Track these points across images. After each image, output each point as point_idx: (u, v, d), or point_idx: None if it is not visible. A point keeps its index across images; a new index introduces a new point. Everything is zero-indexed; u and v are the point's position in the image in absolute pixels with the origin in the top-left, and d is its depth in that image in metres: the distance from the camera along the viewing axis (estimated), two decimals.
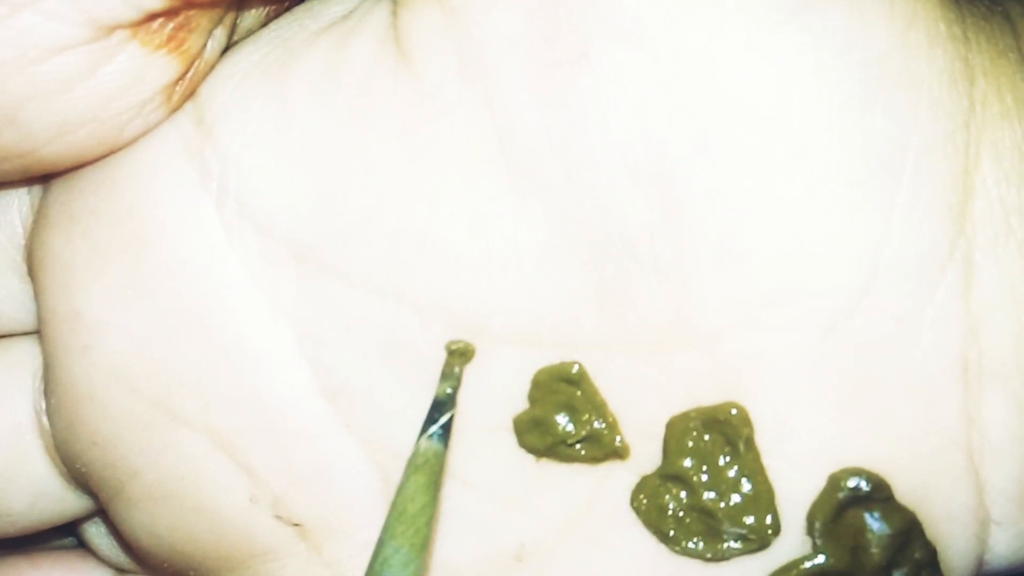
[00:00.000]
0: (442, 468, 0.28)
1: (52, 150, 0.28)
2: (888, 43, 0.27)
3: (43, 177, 0.31)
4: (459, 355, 0.28)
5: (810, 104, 0.27)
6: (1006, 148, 0.28)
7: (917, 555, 0.28)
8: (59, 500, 0.33)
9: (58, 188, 0.30)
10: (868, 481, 0.28)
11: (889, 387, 0.28)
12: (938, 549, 0.29)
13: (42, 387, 0.32)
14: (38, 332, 0.31)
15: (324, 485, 0.30)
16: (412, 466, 0.27)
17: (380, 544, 0.27)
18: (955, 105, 0.27)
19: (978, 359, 0.27)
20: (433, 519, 0.27)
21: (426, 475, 0.27)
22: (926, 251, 0.27)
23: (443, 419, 0.28)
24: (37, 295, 0.31)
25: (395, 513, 0.27)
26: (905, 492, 0.28)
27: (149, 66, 0.28)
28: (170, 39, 0.27)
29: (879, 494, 0.28)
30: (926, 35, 0.27)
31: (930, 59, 0.27)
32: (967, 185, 0.27)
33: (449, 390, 0.28)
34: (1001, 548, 0.29)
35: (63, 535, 0.37)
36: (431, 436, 0.28)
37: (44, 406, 0.32)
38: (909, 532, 0.28)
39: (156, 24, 0.27)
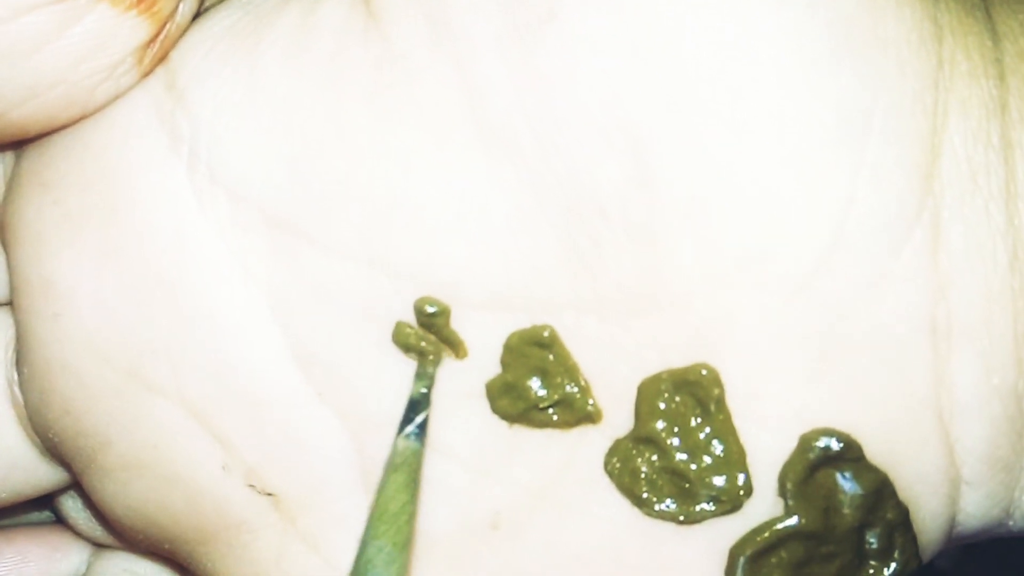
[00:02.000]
0: (420, 466, 0.27)
1: (22, 113, 0.28)
2: (855, 3, 0.27)
3: (13, 145, 0.30)
4: (431, 355, 0.28)
5: (778, 64, 0.26)
6: (973, 106, 0.27)
7: (889, 516, 0.28)
8: (32, 472, 0.32)
9: (30, 155, 0.30)
10: (839, 441, 0.28)
11: (858, 347, 0.27)
12: (910, 510, 0.28)
13: (14, 357, 0.31)
14: (11, 303, 0.31)
15: (298, 454, 0.29)
16: (391, 465, 0.27)
17: (363, 544, 0.27)
18: (923, 64, 0.27)
19: (946, 319, 0.27)
20: (414, 516, 0.27)
21: (405, 474, 0.27)
22: (893, 210, 0.27)
23: (419, 418, 0.28)
24: (9, 264, 0.30)
25: (377, 512, 0.27)
26: (876, 453, 0.28)
27: (119, 27, 0.27)
28: (140, 0, 0.27)
29: (850, 454, 0.28)
30: None
31: (898, 19, 0.27)
32: (934, 144, 0.27)
33: (424, 390, 0.28)
34: (972, 508, 0.29)
35: (39, 509, 0.36)
36: (408, 435, 0.28)
37: (16, 377, 0.31)
38: (881, 492, 0.28)
39: None
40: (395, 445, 0.28)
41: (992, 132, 0.27)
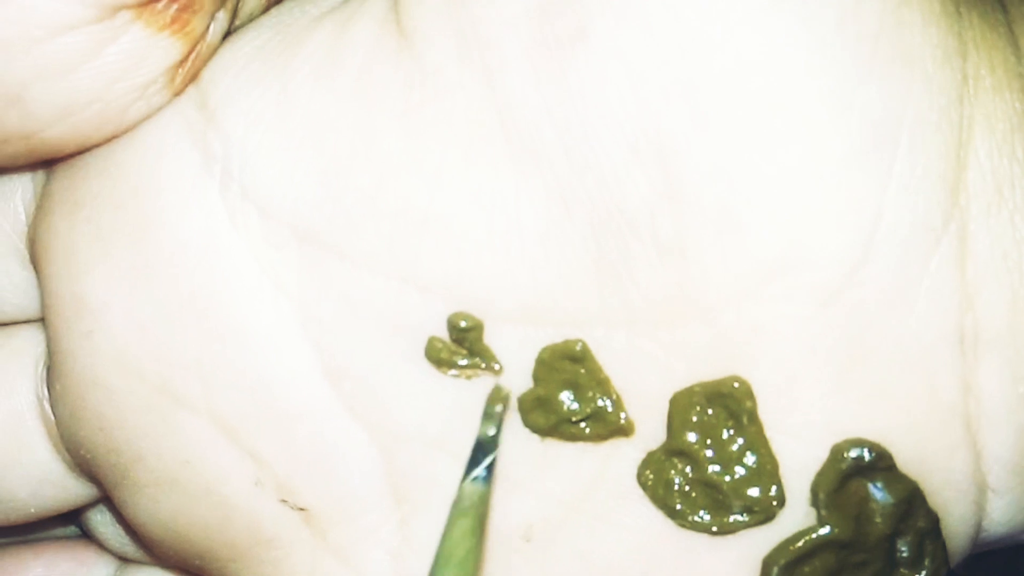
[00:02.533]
0: (487, 511, 0.27)
1: (56, 132, 0.28)
2: (882, 19, 0.27)
3: (46, 163, 0.30)
4: (501, 396, 0.28)
5: (806, 79, 0.26)
6: (998, 120, 0.27)
7: (920, 523, 0.28)
8: (62, 487, 0.32)
9: (62, 173, 0.30)
10: (870, 451, 0.28)
11: (887, 357, 0.27)
12: (940, 516, 0.28)
13: (44, 374, 0.31)
14: (41, 319, 0.31)
15: (328, 469, 0.29)
16: (457, 510, 0.27)
17: None
18: (949, 79, 0.27)
19: (973, 328, 0.27)
20: (480, 561, 0.27)
21: (472, 519, 0.27)
22: (921, 222, 0.27)
23: (487, 461, 0.27)
24: (40, 281, 0.30)
25: (443, 558, 0.26)
26: (906, 461, 0.28)
27: (152, 47, 0.27)
28: (174, 21, 0.27)
29: (881, 464, 0.28)
30: (920, 11, 0.27)
31: (924, 35, 0.27)
32: (960, 157, 0.27)
33: (492, 431, 0.28)
34: (998, 515, 0.29)
35: (66, 524, 0.36)
36: (475, 479, 0.27)
37: (46, 393, 0.31)
38: (912, 501, 0.28)
39: (160, 6, 0.27)
40: (461, 489, 0.27)
41: (1017, 144, 0.28)
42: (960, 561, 0.30)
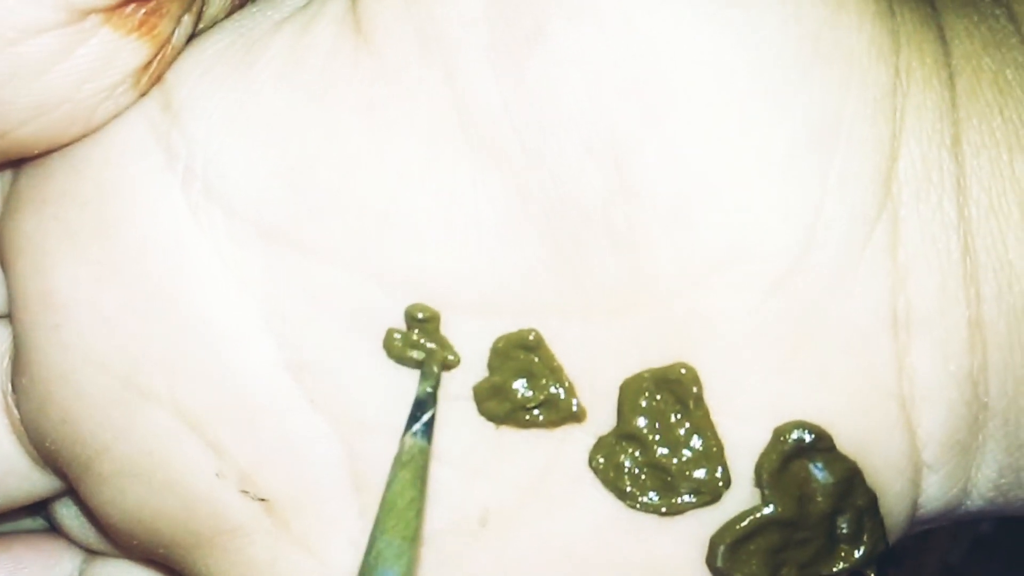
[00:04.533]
0: (427, 463, 0.28)
1: (27, 132, 0.28)
2: (821, 21, 0.27)
3: (13, 164, 0.30)
4: (439, 355, 0.29)
5: (751, 78, 0.27)
6: (927, 109, 0.28)
7: (859, 502, 0.29)
8: (26, 479, 0.32)
9: (29, 172, 0.30)
10: (811, 433, 0.28)
11: (827, 342, 0.28)
12: (877, 495, 0.29)
13: (9, 368, 0.31)
14: (7, 316, 0.31)
15: (290, 460, 0.29)
16: (399, 463, 0.27)
17: (373, 539, 0.27)
18: (883, 74, 0.28)
19: (905, 310, 0.28)
20: (422, 512, 0.27)
21: (412, 471, 0.27)
22: (857, 213, 0.28)
23: (425, 416, 0.28)
24: (8, 277, 0.30)
25: (385, 508, 0.27)
26: (846, 442, 0.29)
27: (120, 49, 0.27)
28: (141, 24, 0.27)
29: (821, 445, 0.28)
30: (856, 13, 0.28)
31: (860, 33, 0.28)
32: (893, 148, 0.28)
33: (429, 388, 0.28)
34: (933, 491, 0.30)
35: (33, 516, 0.36)
36: (415, 433, 0.28)
37: (10, 388, 0.31)
38: (851, 480, 0.29)
39: (129, 9, 0.27)
40: (402, 443, 0.28)
41: (945, 132, 0.28)
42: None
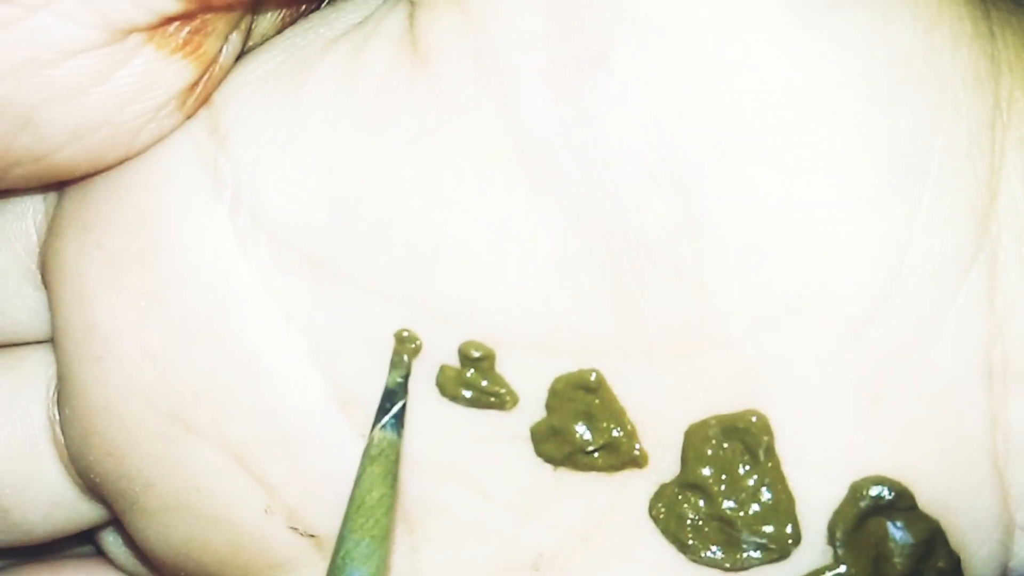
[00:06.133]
0: (398, 457, 0.26)
1: (66, 154, 0.26)
2: (912, 43, 0.25)
3: (57, 185, 0.29)
4: (408, 343, 0.27)
5: (833, 104, 0.25)
6: None
7: (940, 564, 0.26)
8: (74, 509, 0.31)
9: (72, 196, 0.29)
10: (891, 490, 0.26)
11: (911, 392, 0.25)
12: (962, 557, 0.26)
13: (56, 397, 0.30)
14: (52, 341, 0.30)
15: (338, 496, 0.27)
16: (368, 457, 0.26)
17: (340, 539, 0.25)
18: (980, 104, 0.25)
19: (1002, 361, 0.25)
20: (392, 508, 0.26)
21: (382, 465, 0.26)
22: (950, 253, 0.25)
23: (395, 408, 0.26)
24: (51, 305, 0.29)
25: (354, 506, 0.25)
26: (928, 500, 0.26)
27: (164, 70, 0.26)
28: (186, 43, 0.26)
29: (902, 503, 0.26)
30: (951, 34, 0.25)
31: (954, 58, 0.25)
32: (992, 185, 0.25)
33: (400, 379, 0.27)
34: None
35: (81, 543, 0.35)
36: (384, 426, 0.26)
37: (58, 416, 0.30)
38: (932, 541, 0.26)
39: (172, 28, 0.25)
40: (371, 436, 0.26)
41: None
42: None
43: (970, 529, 0.26)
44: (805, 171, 0.25)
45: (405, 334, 0.26)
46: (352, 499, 0.25)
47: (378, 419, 0.26)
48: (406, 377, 0.27)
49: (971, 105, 0.25)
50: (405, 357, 0.27)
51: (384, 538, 0.25)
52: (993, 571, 0.27)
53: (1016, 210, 0.25)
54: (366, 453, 0.26)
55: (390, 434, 0.26)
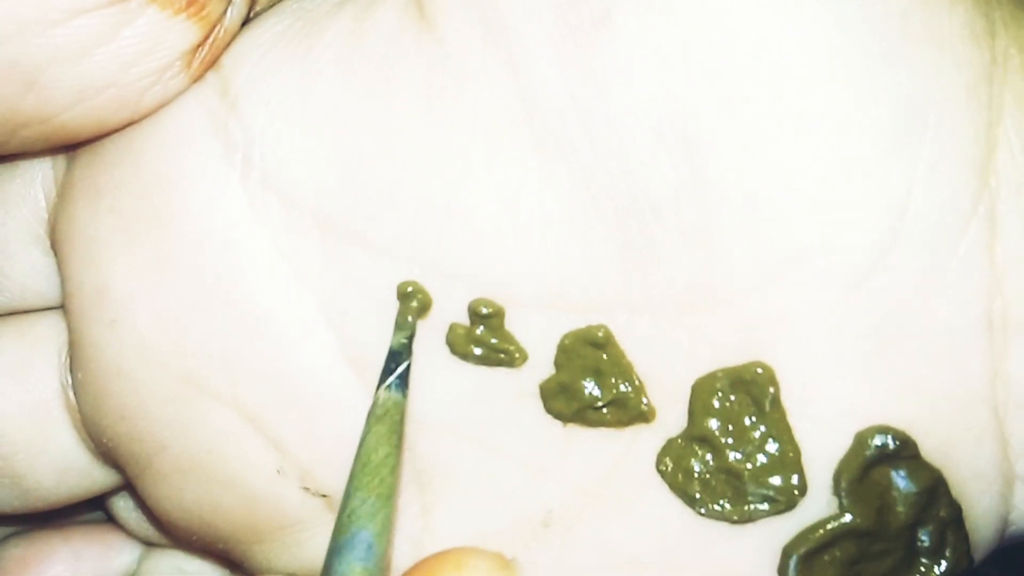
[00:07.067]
0: (403, 417, 0.26)
1: (73, 116, 0.26)
2: (909, 1, 0.25)
3: (65, 149, 0.29)
4: (413, 303, 0.26)
5: (832, 61, 0.24)
6: None
7: (942, 513, 0.26)
8: (87, 474, 0.31)
9: (83, 161, 0.28)
10: (895, 439, 0.26)
11: (914, 343, 0.25)
12: (963, 507, 0.26)
13: (68, 362, 0.29)
14: (62, 307, 0.29)
15: (351, 456, 0.27)
16: (373, 417, 0.26)
17: (346, 496, 0.25)
18: (978, 59, 0.25)
19: (1002, 312, 0.25)
20: (397, 467, 0.26)
21: (387, 425, 0.26)
22: (949, 205, 0.25)
23: (400, 369, 0.26)
24: (62, 270, 0.29)
25: (359, 465, 0.25)
26: (931, 449, 0.26)
27: (168, 31, 0.26)
28: (189, 4, 0.25)
29: (905, 452, 0.26)
30: None
31: (951, 14, 0.25)
32: (990, 138, 0.25)
33: (404, 339, 0.26)
34: None
35: (92, 509, 0.34)
36: (389, 387, 0.26)
37: (70, 381, 0.29)
38: (935, 490, 0.26)
39: None
40: (376, 396, 0.26)
41: None
42: (996, 562, 0.28)
43: (971, 479, 0.26)
44: (806, 127, 0.25)
45: (409, 289, 0.26)
46: (357, 458, 0.25)
47: (383, 380, 0.26)
48: (410, 338, 0.26)
49: (969, 60, 0.25)
50: (409, 318, 0.26)
51: (389, 496, 0.25)
52: (993, 522, 0.27)
53: (1015, 163, 0.25)
54: (371, 413, 0.26)
55: (395, 394, 0.26)
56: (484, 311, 0.26)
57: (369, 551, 0.24)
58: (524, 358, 0.27)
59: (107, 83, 0.26)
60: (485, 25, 0.25)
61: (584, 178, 0.25)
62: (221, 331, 0.27)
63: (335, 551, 0.24)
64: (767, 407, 0.26)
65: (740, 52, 0.24)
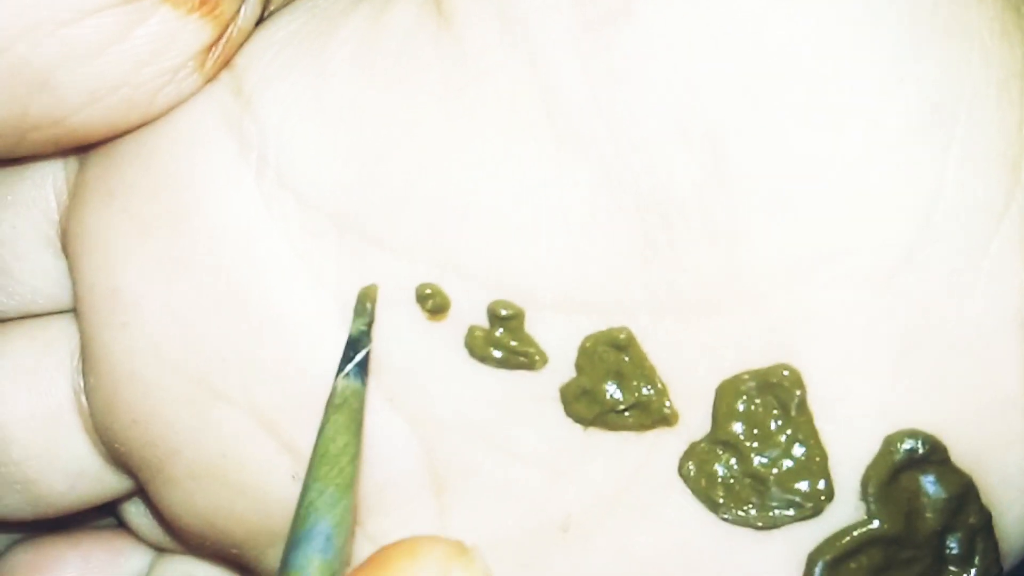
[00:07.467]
0: (362, 406, 0.25)
1: (84, 117, 0.25)
2: None
3: (77, 150, 0.28)
4: (371, 294, 0.26)
5: (860, 55, 0.24)
6: None
7: (972, 520, 0.26)
8: (99, 480, 0.30)
9: (95, 162, 0.28)
10: (924, 443, 0.25)
11: (944, 344, 0.25)
12: (993, 514, 0.26)
13: (80, 366, 0.29)
14: (74, 310, 0.29)
15: (368, 461, 0.27)
16: (331, 406, 0.25)
17: (305, 488, 0.24)
18: (1008, 54, 0.24)
19: None
20: (357, 457, 0.25)
21: (346, 414, 0.25)
22: (981, 203, 0.24)
23: (359, 356, 0.26)
24: (73, 272, 0.28)
25: (317, 455, 0.25)
26: (961, 454, 0.25)
27: (181, 30, 0.25)
28: (202, 3, 0.25)
29: (935, 456, 0.25)
30: None
31: (980, 9, 0.24)
32: (1022, 134, 0.24)
33: (363, 326, 0.26)
34: None
35: (103, 515, 0.34)
36: (348, 375, 0.25)
37: (82, 385, 0.29)
38: (965, 496, 0.25)
39: None
40: (335, 385, 0.25)
41: None
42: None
43: (1002, 485, 0.26)
44: (833, 123, 0.24)
45: (369, 286, 0.26)
46: (315, 448, 0.25)
47: (341, 367, 0.25)
48: (369, 324, 0.26)
49: (999, 55, 0.24)
50: (368, 305, 0.26)
51: (348, 486, 0.24)
52: (1023, 530, 0.26)
53: None
54: (329, 402, 0.25)
55: (354, 382, 0.25)
56: (503, 313, 0.26)
57: (328, 543, 0.24)
58: (544, 361, 0.26)
59: (119, 83, 0.25)
60: (504, 20, 0.25)
61: (606, 176, 0.25)
62: (235, 333, 0.27)
63: (293, 544, 0.24)
64: (793, 410, 0.25)
65: (764, 45, 0.24)
